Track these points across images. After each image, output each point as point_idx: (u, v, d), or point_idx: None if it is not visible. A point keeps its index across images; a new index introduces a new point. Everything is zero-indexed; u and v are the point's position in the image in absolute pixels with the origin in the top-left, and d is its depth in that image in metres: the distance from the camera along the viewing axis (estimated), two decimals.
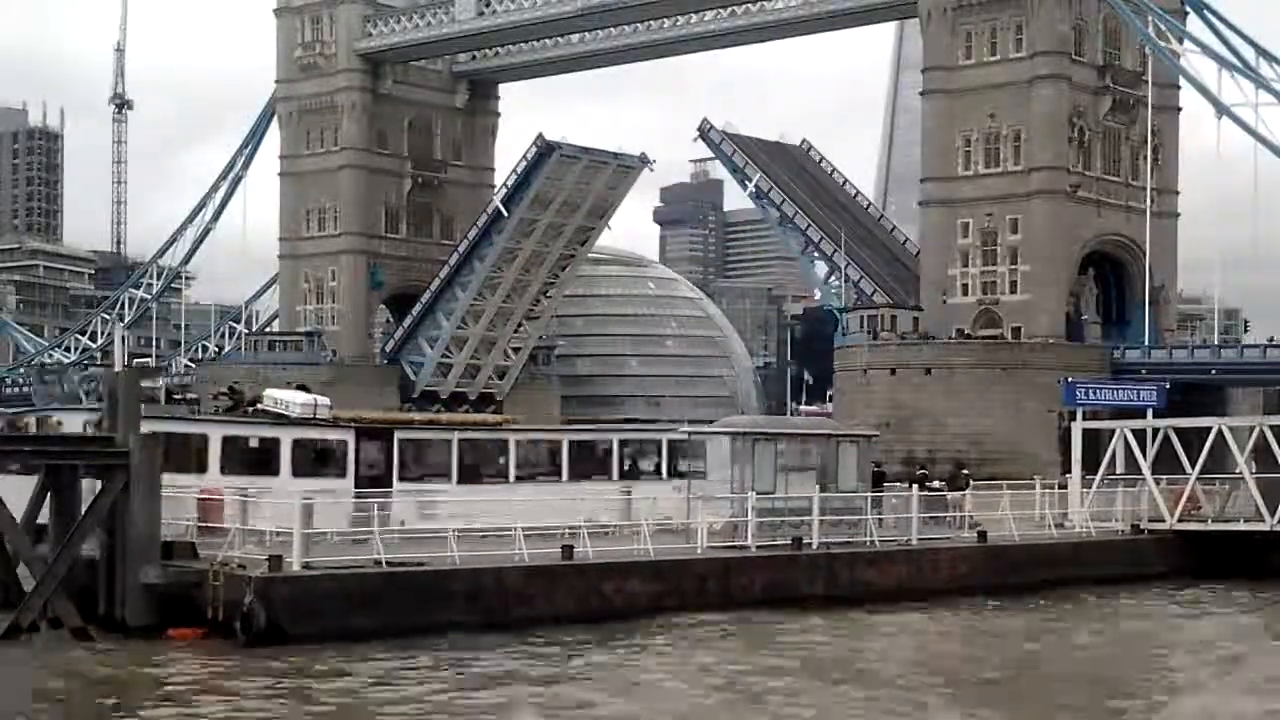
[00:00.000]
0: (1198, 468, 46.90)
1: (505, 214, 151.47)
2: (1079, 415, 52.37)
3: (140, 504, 31.52)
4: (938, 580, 40.67)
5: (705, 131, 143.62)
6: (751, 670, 29.45)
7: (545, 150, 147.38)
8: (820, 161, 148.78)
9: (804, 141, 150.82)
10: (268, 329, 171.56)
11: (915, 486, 44.59)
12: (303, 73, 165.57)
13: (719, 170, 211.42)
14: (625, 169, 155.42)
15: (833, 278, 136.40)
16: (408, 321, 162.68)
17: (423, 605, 31.67)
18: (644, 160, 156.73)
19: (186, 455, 39.18)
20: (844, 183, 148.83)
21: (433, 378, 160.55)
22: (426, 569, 32.60)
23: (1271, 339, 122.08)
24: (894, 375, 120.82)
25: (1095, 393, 57.13)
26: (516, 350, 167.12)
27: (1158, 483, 47.50)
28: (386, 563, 32.03)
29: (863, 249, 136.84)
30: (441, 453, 44.74)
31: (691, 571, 36.51)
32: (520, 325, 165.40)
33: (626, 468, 48.12)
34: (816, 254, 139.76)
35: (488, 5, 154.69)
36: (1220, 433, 47.11)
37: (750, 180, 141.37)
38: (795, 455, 42.12)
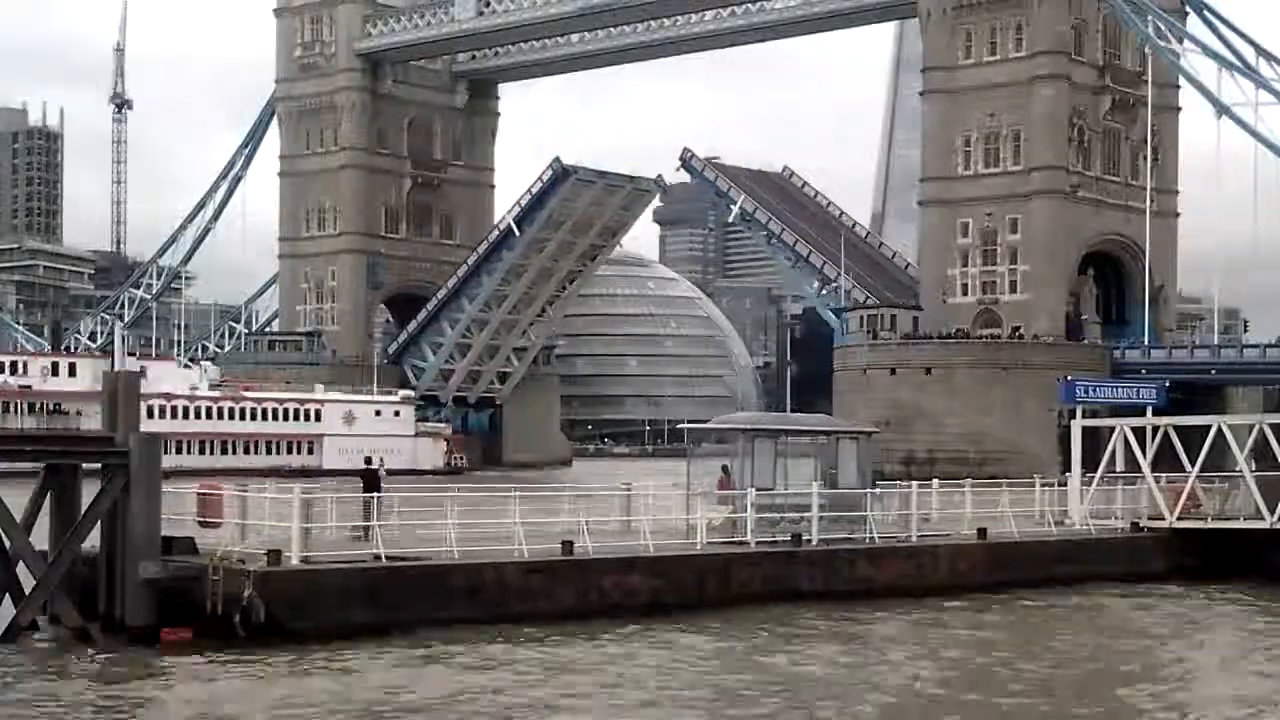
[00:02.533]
0: (1197, 465, 46.86)
1: (517, 233, 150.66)
2: (1078, 413, 52.27)
3: (140, 502, 31.50)
4: (937, 577, 40.70)
5: (687, 160, 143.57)
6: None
7: (561, 174, 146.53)
8: (803, 187, 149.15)
9: (785, 168, 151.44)
10: (268, 329, 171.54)
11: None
12: (303, 73, 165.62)
13: None
14: (641, 192, 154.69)
15: (825, 290, 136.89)
16: (411, 327, 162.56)
17: (423, 600, 31.68)
18: (659, 184, 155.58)
19: None
20: (828, 205, 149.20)
21: (434, 382, 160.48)
22: (426, 564, 32.61)
23: (1278, 339, 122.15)
24: (894, 375, 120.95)
25: (1094, 390, 56.82)
26: (520, 355, 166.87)
27: (1157, 480, 47.44)
28: (386, 557, 32.02)
29: (852, 264, 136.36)
30: None
31: (691, 567, 36.55)
32: (524, 333, 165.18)
33: None
34: (806, 268, 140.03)
35: (488, 5, 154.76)
36: (1220, 430, 47.07)
37: (735, 204, 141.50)
38: (795, 451, 42.22)
